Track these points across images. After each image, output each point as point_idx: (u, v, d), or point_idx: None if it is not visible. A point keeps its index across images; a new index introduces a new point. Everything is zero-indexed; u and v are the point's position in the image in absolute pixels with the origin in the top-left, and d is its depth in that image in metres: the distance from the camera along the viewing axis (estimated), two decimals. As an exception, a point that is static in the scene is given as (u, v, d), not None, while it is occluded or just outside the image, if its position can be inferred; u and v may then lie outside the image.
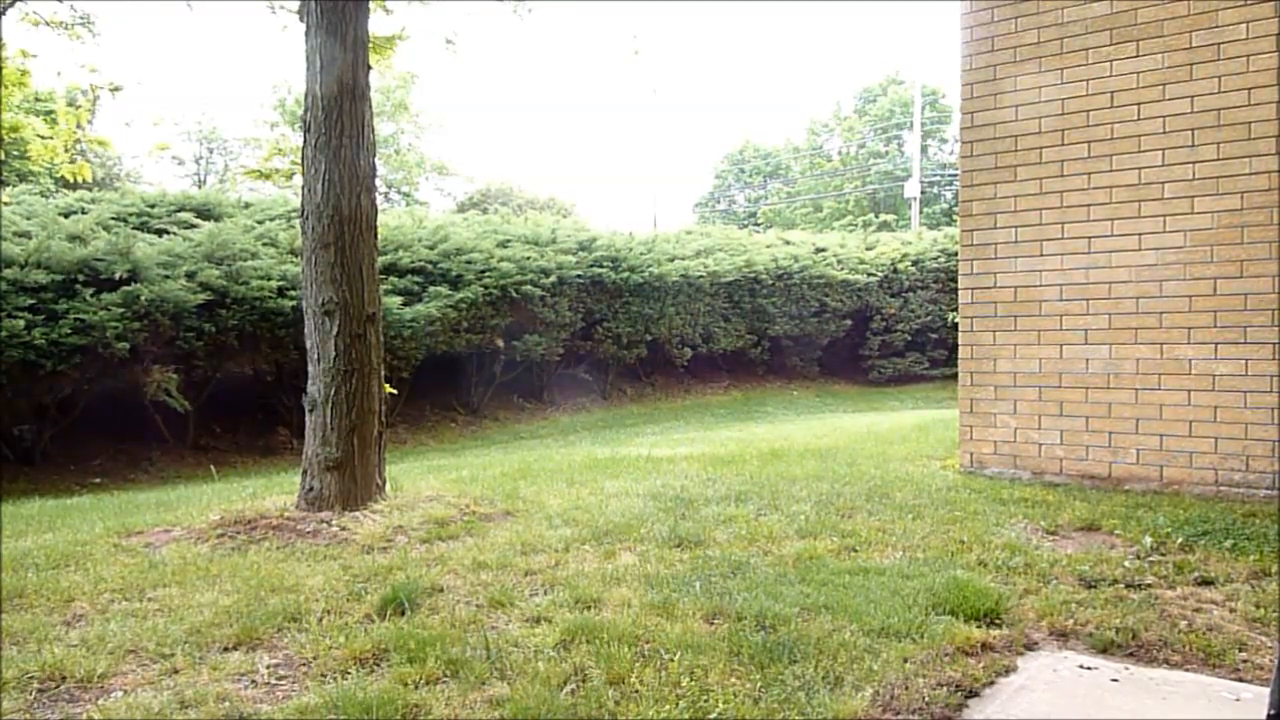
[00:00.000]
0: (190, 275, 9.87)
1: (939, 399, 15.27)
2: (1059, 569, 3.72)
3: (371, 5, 5.23)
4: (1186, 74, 5.13)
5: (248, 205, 13.88)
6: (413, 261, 12.46)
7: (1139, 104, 5.27)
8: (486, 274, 12.74)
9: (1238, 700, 2.64)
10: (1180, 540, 4.10)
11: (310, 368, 4.93)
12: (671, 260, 15.48)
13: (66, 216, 10.94)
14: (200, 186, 34.54)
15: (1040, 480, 5.56)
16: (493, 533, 4.40)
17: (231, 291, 10.06)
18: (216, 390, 10.75)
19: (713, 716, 2.47)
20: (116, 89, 9.00)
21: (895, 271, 18.22)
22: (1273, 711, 1.80)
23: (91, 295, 9.10)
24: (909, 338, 18.10)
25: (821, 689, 2.61)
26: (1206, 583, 3.59)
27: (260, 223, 12.42)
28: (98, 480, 9.53)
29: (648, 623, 3.09)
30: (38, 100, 15.43)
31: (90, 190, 16.70)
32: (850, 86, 63.77)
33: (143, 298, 9.22)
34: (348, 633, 3.08)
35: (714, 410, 14.88)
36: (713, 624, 3.11)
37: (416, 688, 2.66)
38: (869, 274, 17.85)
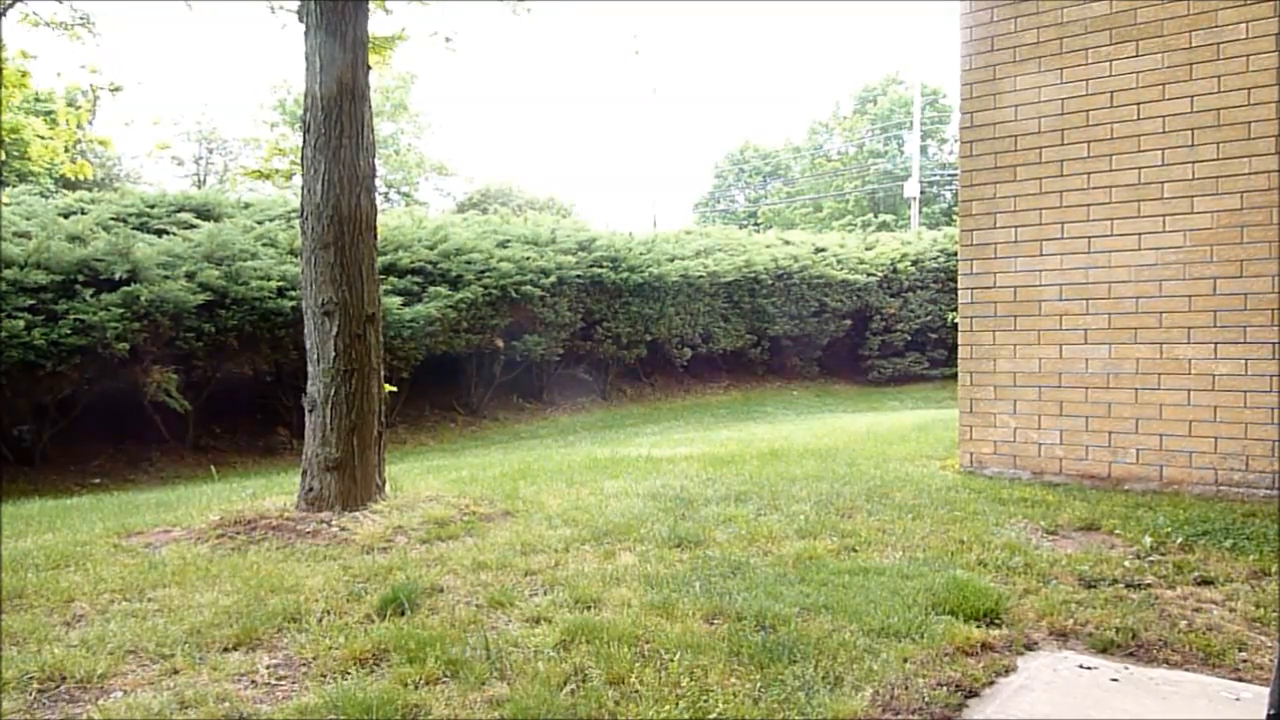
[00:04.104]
0: (190, 275, 9.88)
1: (939, 399, 15.27)
2: (1059, 569, 3.72)
3: (371, 5, 5.23)
4: (1186, 74, 5.13)
5: (247, 205, 13.89)
6: (412, 262, 12.46)
7: (1138, 104, 5.27)
8: (486, 274, 12.74)
9: (1237, 700, 2.64)
10: (1180, 540, 4.10)
11: (310, 368, 4.93)
12: (671, 260, 15.49)
13: (66, 217, 10.94)
14: (200, 187, 34.52)
15: (1040, 480, 5.57)
16: (492, 533, 4.40)
17: (231, 292, 10.06)
18: (216, 390, 10.75)
19: (713, 716, 2.47)
20: (116, 89, 9.02)
21: (895, 271, 18.22)
22: (1273, 711, 1.80)
23: (91, 295, 9.11)
24: (909, 338, 18.10)
25: (821, 689, 2.61)
26: (1206, 582, 3.59)
27: (260, 223, 12.43)
28: (98, 480, 9.53)
29: (648, 623, 3.09)
30: (38, 100, 15.43)
31: (90, 190, 16.70)
32: (850, 86, 63.73)
33: (142, 298, 9.22)
34: (348, 633, 3.08)
35: (714, 410, 14.88)
36: (713, 624, 3.11)
37: (416, 688, 2.66)
38: (869, 274, 17.86)
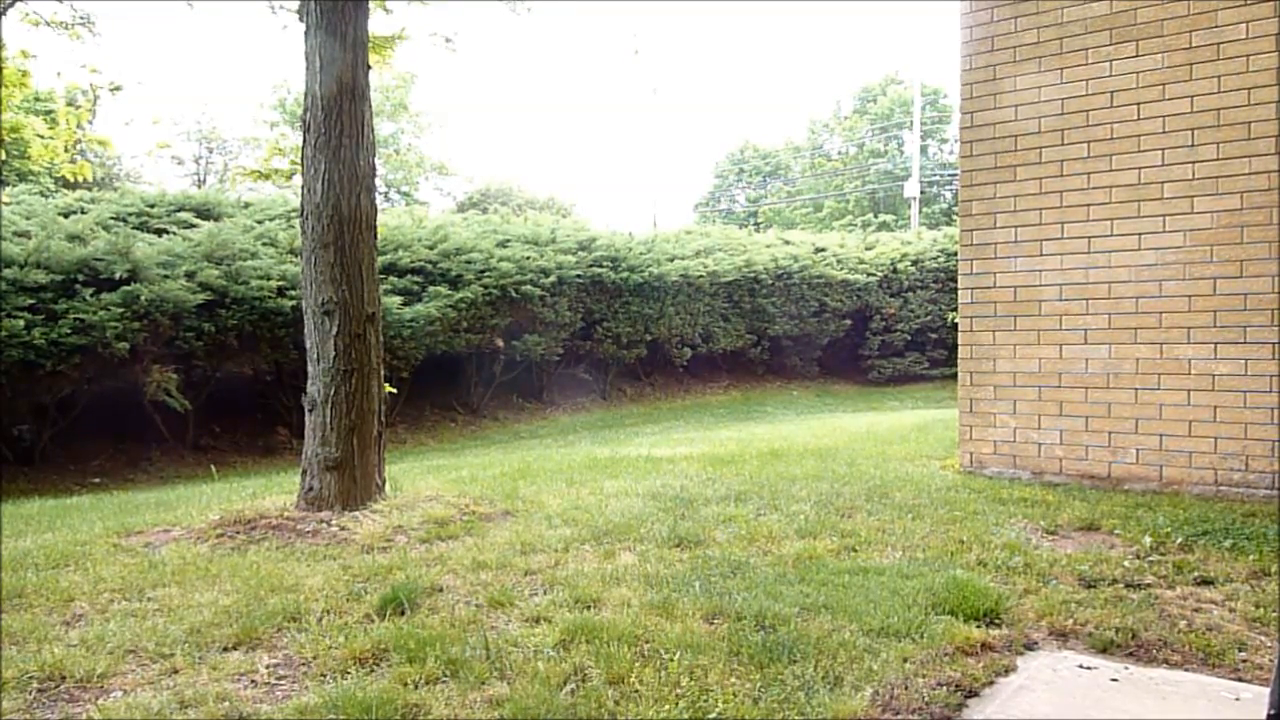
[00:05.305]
0: (190, 275, 9.88)
1: (939, 399, 15.27)
2: (1059, 569, 3.72)
3: (371, 5, 5.23)
4: (1186, 74, 5.13)
5: (247, 205, 13.88)
6: (412, 261, 12.46)
7: (1139, 104, 5.27)
8: (486, 274, 12.74)
9: (1237, 700, 2.64)
10: (1180, 540, 4.10)
11: (310, 368, 4.93)
12: (671, 260, 15.49)
13: (66, 216, 10.94)
14: (200, 186, 34.53)
15: (1040, 480, 5.57)
16: (492, 533, 4.40)
17: (231, 291, 10.06)
18: (216, 390, 10.75)
19: (712, 716, 2.47)
20: (116, 89, 9.00)
21: (895, 271, 18.22)
22: (1273, 711, 1.80)
23: (91, 295, 9.10)
24: (909, 338, 18.10)
25: (821, 689, 2.61)
26: (1206, 582, 3.59)
27: (260, 223, 12.42)
28: (97, 480, 9.53)
29: (648, 623, 3.09)
30: (38, 100, 15.42)
31: (90, 190, 16.69)
32: (850, 86, 63.75)
33: (142, 298, 9.22)
34: (347, 633, 3.08)
35: (713, 410, 14.88)
36: (713, 624, 3.11)
37: (416, 688, 2.66)
38: (869, 274, 17.86)
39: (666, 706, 2.51)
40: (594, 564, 3.84)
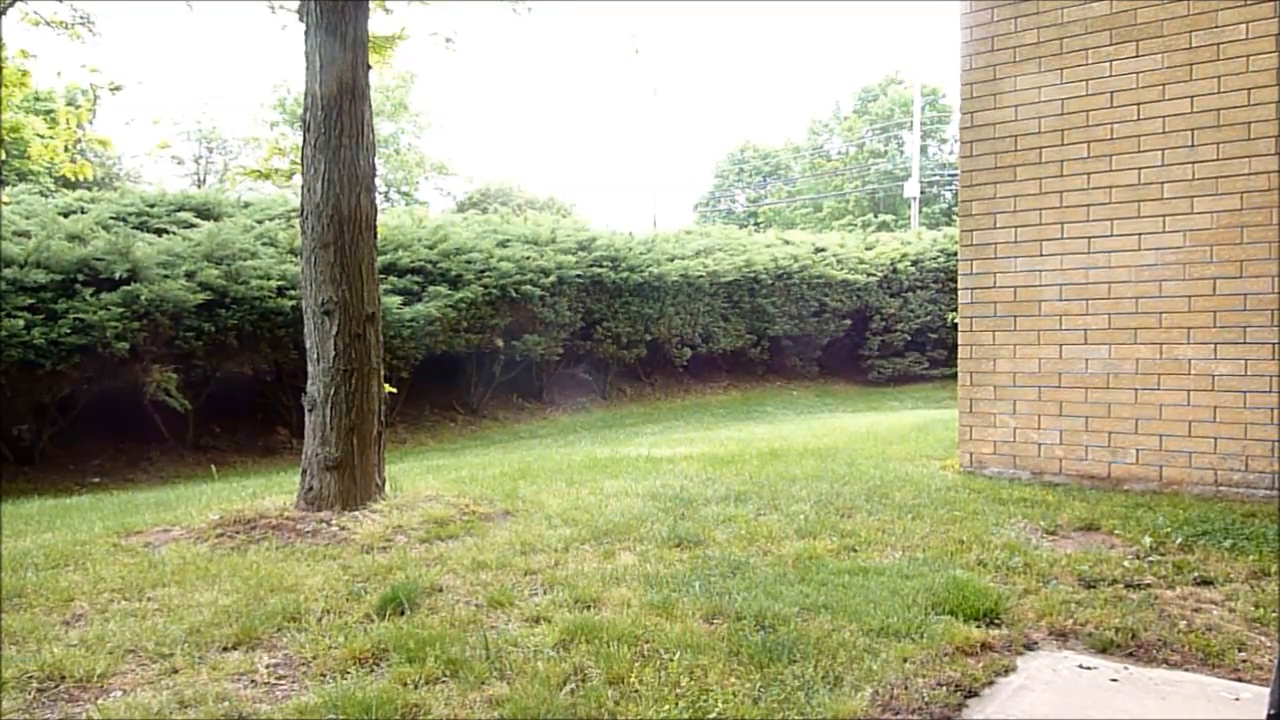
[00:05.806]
0: (190, 275, 9.88)
1: (939, 399, 15.27)
2: (1058, 569, 3.72)
3: (371, 5, 5.23)
4: (1186, 74, 5.13)
5: (247, 205, 13.88)
6: (412, 261, 12.46)
7: (1139, 104, 5.27)
8: (486, 274, 12.74)
9: (1237, 700, 2.64)
10: (1180, 540, 4.10)
11: (310, 367, 4.93)
12: (671, 260, 15.49)
13: (66, 216, 10.94)
14: (200, 186, 34.52)
15: (1040, 480, 5.57)
16: (492, 533, 4.40)
17: (231, 291, 10.06)
18: (216, 390, 10.75)
19: (712, 716, 2.47)
20: (116, 88, 8.99)
21: (895, 271, 18.23)
22: (1272, 711, 1.80)
23: (91, 295, 9.11)
24: (908, 338, 18.10)
25: (821, 689, 2.61)
26: (1206, 583, 3.59)
27: (260, 222, 12.42)
28: (97, 480, 9.53)
29: (647, 623, 3.09)
30: (38, 100, 15.42)
31: (90, 190, 16.69)
32: (850, 86, 63.79)
33: (142, 297, 9.22)
34: (347, 632, 3.08)
35: (713, 410, 14.88)
36: (712, 624, 3.11)
37: (416, 687, 2.66)
38: (869, 274, 17.86)
39: (666, 706, 2.51)
40: (594, 564, 3.84)
